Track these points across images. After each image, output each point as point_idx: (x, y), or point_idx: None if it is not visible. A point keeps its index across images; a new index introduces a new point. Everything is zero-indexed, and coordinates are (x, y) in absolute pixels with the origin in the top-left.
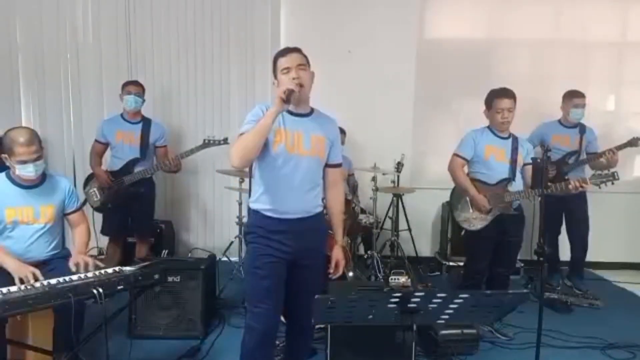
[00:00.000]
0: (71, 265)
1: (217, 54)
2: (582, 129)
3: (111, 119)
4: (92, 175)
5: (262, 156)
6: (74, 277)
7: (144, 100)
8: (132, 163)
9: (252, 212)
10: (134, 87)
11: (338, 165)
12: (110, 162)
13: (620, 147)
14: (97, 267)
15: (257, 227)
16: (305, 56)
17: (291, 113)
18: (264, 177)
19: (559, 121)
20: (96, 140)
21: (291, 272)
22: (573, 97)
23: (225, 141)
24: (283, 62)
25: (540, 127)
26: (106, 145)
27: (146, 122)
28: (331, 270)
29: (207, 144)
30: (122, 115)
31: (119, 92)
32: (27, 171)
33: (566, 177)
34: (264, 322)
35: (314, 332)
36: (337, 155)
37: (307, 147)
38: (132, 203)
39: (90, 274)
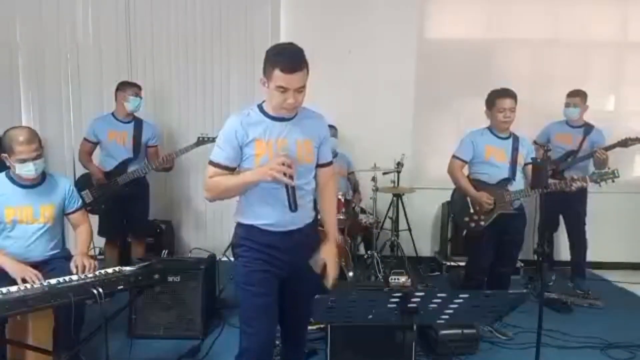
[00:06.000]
0: (72, 266)
1: (217, 53)
2: (588, 129)
3: (102, 118)
4: (82, 178)
5: (246, 170)
6: (74, 277)
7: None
8: (125, 163)
9: (240, 225)
10: (136, 89)
11: (329, 164)
12: (102, 161)
13: (609, 148)
14: (96, 269)
15: (247, 240)
16: (307, 69)
17: (274, 118)
18: (250, 190)
19: (566, 121)
20: (85, 139)
21: (286, 285)
22: (567, 96)
23: None
24: (281, 79)
25: (547, 126)
26: (95, 144)
27: (138, 122)
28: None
29: (201, 141)
30: (113, 114)
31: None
32: (27, 170)
33: (564, 175)
34: (259, 342)
35: (314, 332)
36: (327, 154)
37: (293, 154)
38: (127, 203)
39: (90, 274)
